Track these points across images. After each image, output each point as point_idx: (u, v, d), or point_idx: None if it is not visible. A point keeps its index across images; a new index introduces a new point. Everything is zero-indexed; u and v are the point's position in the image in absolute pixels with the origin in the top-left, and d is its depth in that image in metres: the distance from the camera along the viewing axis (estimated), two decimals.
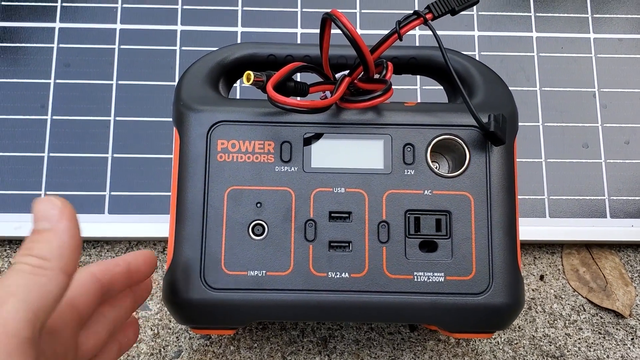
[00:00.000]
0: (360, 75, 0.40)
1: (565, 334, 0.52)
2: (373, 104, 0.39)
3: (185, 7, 0.59)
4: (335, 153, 0.40)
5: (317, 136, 0.40)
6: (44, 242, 0.28)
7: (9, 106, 0.55)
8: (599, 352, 0.51)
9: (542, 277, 0.54)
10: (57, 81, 0.56)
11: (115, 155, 0.54)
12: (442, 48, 0.39)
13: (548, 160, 0.57)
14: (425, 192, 0.39)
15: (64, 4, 0.58)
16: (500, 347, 0.51)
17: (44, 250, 0.28)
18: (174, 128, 0.41)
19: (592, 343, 0.51)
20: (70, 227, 0.29)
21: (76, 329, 0.32)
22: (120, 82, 0.56)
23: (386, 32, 0.38)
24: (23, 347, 0.25)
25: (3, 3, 0.58)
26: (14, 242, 0.54)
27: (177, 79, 0.55)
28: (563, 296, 0.54)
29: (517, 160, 0.55)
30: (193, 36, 0.58)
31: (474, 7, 0.60)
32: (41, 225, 0.29)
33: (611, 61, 0.60)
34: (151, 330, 0.50)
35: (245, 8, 0.59)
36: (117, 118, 0.55)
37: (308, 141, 0.40)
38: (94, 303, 0.33)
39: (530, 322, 0.52)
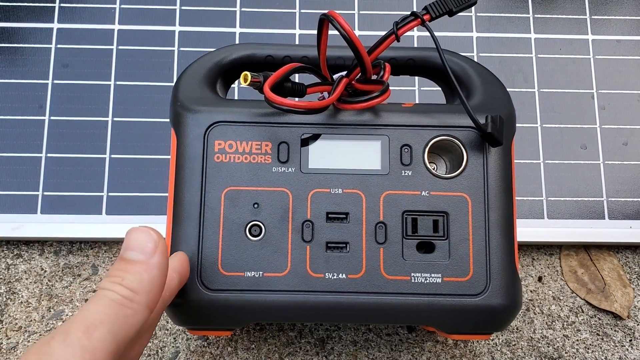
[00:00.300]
0: (357, 76, 0.40)
1: (564, 335, 0.52)
2: (370, 104, 0.39)
3: (183, 7, 0.59)
4: (332, 154, 0.40)
5: (315, 137, 0.40)
6: (135, 274, 0.28)
7: (7, 107, 0.55)
8: (597, 353, 0.51)
9: (540, 279, 0.54)
10: (55, 82, 0.56)
11: (112, 155, 0.54)
12: (440, 49, 0.39)
13: (546, 161, 0.56)
14: (423, 193, 0.39)
15: (62, 5, 0.58)
16: (499, 349, 0.51)
17: (135, 282, 0.28)
18: (171, 129, 0.41)
19: (590, 344, 0.51)
20: (162, 262, 0.29)
21: (132, 345, 0.32)
22: (118, 82, 0.56)
23: (384, 33, 0.38)
24: None
25: (1, 3, 0.58)
26: (12, 243, 0.54)
27: (175, 80, 0.55)
28: (561, 297, 0.53)
29: (516, 161, 0.56)
30: (191, 37, 0.58)
31: (472, 8, 0.60)
32: (135, 256, 0.29)
33: (609, 62, 0.60)
34: None
35: (243, 9, 0.59)
36: (115, 119, 0.55)
37: (305, 142, 0.40)
38: (156, 320, 0.34)
39: (528, 323, 0.52)
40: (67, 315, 0.51)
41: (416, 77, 0.58)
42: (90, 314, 0.26)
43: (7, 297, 0.51)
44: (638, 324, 0.53)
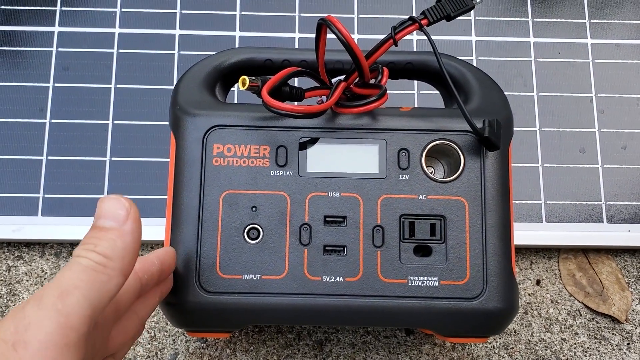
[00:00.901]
0: (355, 81, 0.40)
1: (561, 338, 0.52)
2: (368, 109, 0.39)
3: (183, 11, 0.59)
4: (330, 157, 0.40)
5: (313, 141, 0.40)
6: (108, 240, 0.28)
7: (8, 109, 0.56)
8: (594, 357, 0.51)
9: (538, 282, 0.54)
10: (56, 85, 0.56)
11: (113, 158, 0.55)
12: (437, 54, 0.39)
13: (545, 165, 0.57)
14: (420, 196, 0.39)
15: (63, 8, 0.59)
16: (496, 352, 0.51)
17: (108, 249, 0.28)
18: (171, 132, 0.41)
19: (587, 348, 0.51)
20: (134, 229, 0.29)
21: (112, 325, 0.33)
22: (118, 85, 0.57)
23: (384, 36, 0.38)
24: (79, 341, 0.25)
25: (3, 7, 0.58)
26: (12, 245, 0.54)
27: (175, 83, 0.56)
28: (559, 301, 0.54)
29: (514, 165, 0.56)
30: (191, 40, 0.58)
31: (471, 12, 0.61)
32: (107, 224, 0.29)
33: (608, 66, 0.60)
34: (148, 333, 0.50)
35: (243, 12, 0.60)
36: (115, 121, 0.56)
37: (303, 146, 0.40)
38: (132, 300, 0.34)
39: (526, 326, 0.52)
40: None
41: (415, 81, 0.58)
42: (65, 280, 0.26)
43: (8, 298, 0.52)
44: (636, 328, 0.53)
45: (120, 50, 0.58)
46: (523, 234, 0.54)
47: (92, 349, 0.30)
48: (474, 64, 0.59)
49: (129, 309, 0.34)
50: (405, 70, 0.45)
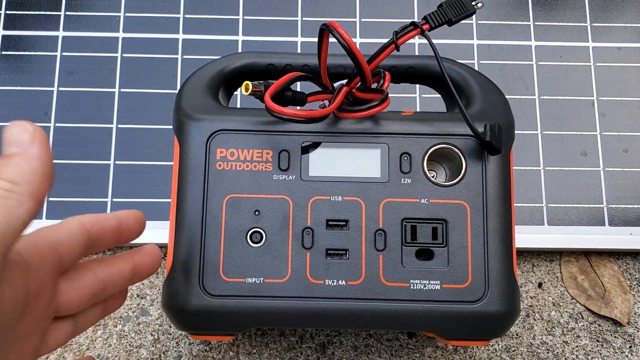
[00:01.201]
0: (357, 85, 0.41)
1: (563, 341, 0.52)
2: (370, 113, 0.39)
3: (187, 16, 0.60)
4: (332, 162, 0.40)
5: (315, 145, 0.40)
6: (14, 166, 0.28)
7: (13, 113, 0.56)
8: (596, 359, 0.51)
9: (540, 285, 0.54)
10: (60, 89, 0.57)
11: (117, 162, 0.55)
12: (439, 58, 0.39)
13: (547, 168, 0.57)
14: (422, 200, 0.40)
15: (68, 13, 0.59)
16: (498, 355, 0.51)
17: (14, 174, 0.27)
18: (174, 136, 0.41)
19: (589, 351, 0.52)
20: (41, 152, 0.28)
21: (54, 273, 0.31)
22: (122, 90, 0.57)
23: (386, 41, 0.39)
24: None
25: (7, 12, 0.59)
26: None
27: (178, 87, 0.56)
28: (561, 304, 0.54)
29: (516, 168, 0.56)
30: (194, 45, 0.59)
31: (473, 16, 0.61)
32: (12, 150, 0.28)
33: (610, 70, 0.60)
34: (151, 335, 0.51)
35: (246, 17, 0.60)
36: (119, 125, 0.56)
37: (306, 150, 0.40)
38: (79, 251, 0.32)
39: (528, 329, 0.52)
40: None
41: (417, 85, 0.58)
42: None
43: None
44: (638, 331, 0.53)
45: (124, 55, 0.58)
46: (525, 237, 0.54)
47: (26, 290, 0.29)
48: (476, 68, 0.59)
49: (85, 266, 0.33)
50: (407, 75, 0.46)
